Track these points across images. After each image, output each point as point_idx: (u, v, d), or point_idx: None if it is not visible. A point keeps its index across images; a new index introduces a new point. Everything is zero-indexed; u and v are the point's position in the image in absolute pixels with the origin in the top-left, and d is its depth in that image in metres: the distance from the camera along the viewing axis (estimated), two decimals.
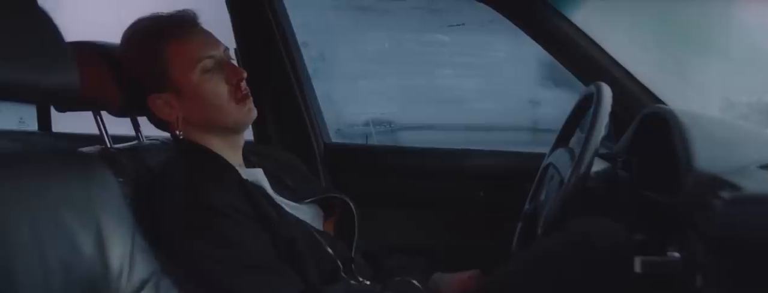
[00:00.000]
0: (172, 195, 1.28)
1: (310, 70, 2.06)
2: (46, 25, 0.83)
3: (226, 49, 1.39)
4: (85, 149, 1.36)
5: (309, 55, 2.09)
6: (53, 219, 0.89)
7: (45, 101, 0.86)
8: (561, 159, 1.44)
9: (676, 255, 1.07)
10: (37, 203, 0.88)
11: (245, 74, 1.37)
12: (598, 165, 1.30)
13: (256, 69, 1.90)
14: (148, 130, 1.51)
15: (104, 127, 1.46)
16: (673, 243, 1.10)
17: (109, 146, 1.45)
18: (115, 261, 0.96)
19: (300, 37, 2.02)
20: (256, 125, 1.97)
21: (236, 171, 1.37)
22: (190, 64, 1.34)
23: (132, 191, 1.30)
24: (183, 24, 1.36)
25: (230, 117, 1.37)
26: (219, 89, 1.35)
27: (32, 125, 2.39)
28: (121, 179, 1.24)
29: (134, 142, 1.51)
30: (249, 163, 1.45)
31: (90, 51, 1.37)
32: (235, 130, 1.41)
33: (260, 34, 1.97)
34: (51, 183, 0.90)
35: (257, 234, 1.29)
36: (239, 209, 1.28)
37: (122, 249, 0.98)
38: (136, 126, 1.55)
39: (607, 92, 1.37)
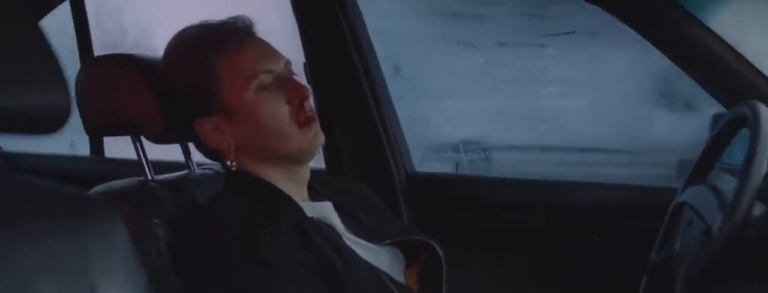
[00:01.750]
0: (215, 241, 1.18)
1: (389, 88, 1.99)
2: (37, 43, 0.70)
3: (288, 62, 1.29)
4: (120, 182, 1.30)
5: (387, 70, 2.02)
6: (24, 288, 0.72)
7: (28, 132, 0.71)
8: (702, 199, 1.27)
9: None
10: (4, 265, 0.71)
11: (310, 92, 1.27)
12: (759, 209, 1.12)
13: (328, 87, 1.90)
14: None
15: (144, 154, 1.38)
16: None
17: (150, 177, 1.37)
18: None
19: (378, 50, 1.96)
20: (329, 153, 1.94)
21: (298, 208, 1.26)
22: (244, 80, 1.24)
23: (169, 233, 1.22)
24: (236, 33, 1.27)
25: (292, 144, 1.26)
26: (278, 110, 1.25)
27: (84, 149, 2.41)
28: (156, 220, 1.21)
29: (183, 172, 1.45)
30: (315, 196, 1.34)
31: (128, 65, 1.31)
32: (298, 159, 1.30)
33: (332, 46, 1.92)
34: (22, 240, 0.73)
35: (316, 290, 1.18)
36: (297, 260, 1.17)
37: None
38: (187, 152, 1.47)
39: (765, 114, 1.17)
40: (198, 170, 1.46)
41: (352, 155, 1.96)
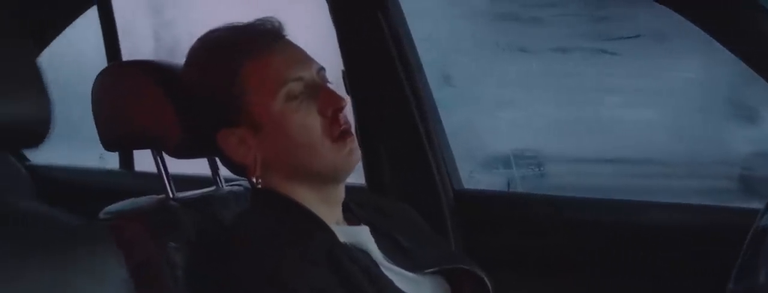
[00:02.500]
0: (236, 266, 1.14)
1: (435, 97, 1.94)
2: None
3: (322, 69, 1.25)
4: (137, 201, 1.29)
5: (434, 78, 1.96)
6: None
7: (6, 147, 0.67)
8: None
9: None
10: None
11: (346, 103, 1.22)
12: None
13: (368, 96, 1.86)
14: None
15: (166, 170, 1.35)
16: None
17: (171, 195, 1.34)
18: None
19: (423, 56, 1.90)
20: (369, 169, 1.90)
21: (330, 232, 1.21)
22: (271, 88, 1.20)
23: (186, 259, 1.20)
24: (264, 36, 1.23)
25: (324, 161, 1.22)
26: (309, 121, 1.20)
27: (113, 163, 2.42)
28: (173, 244, 1.19)
29: (209, 189, 1.42)
30: (351, 218, 1.30)
31: (146, 73, 1.29)
32: (332, 178, 1.25)
33: (372, 52, 1.87)
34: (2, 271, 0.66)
35: None
36: (325, 290, 1.13)
37: None
38: (214, 167, 1.44)
39: None
40: (226, 187, 1.43)
41: (395, 172, 1.92)
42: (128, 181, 2.33)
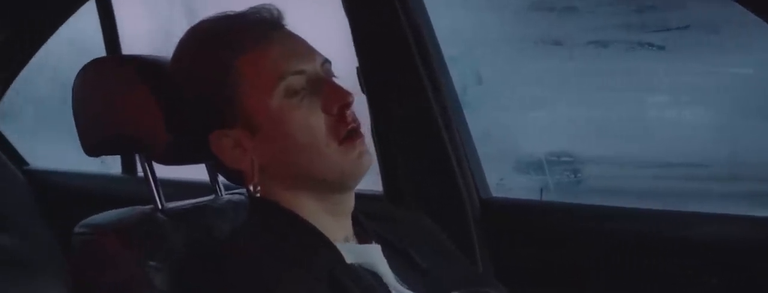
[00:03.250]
0: (227, 288, 1.09)
1: (459, 96, 1.92)
2: None
3: (326, 61, 1.19)
4: (120, 212, 1.26)
5: (458, 75, 1.93)
6: None
7: None
8: None
9: None
10: None
11: (353, 98, 1.17)
12: None
13: (386, 95, 1.84)
14: None
15: (154, 177, 1.31)
16: None
17: (160, 206, 1.29)
18: None
19: (446, 51, 1.87)
20: (386, 176, 1.88)
21: (334, 251, 1.15)
22: (268, 83, 1.15)
23: (169, 280, 1.15)
24: (259, 25, 1.18)
25: (329, 165, 1.16)
26: (311, 120, 1.15)
27: (115, 167, 2.44)
28: (154, 264, 1.14)
29: (207, 198, 1.37)
30: (362, 233, 1.25)
31: (130, 69, 1.25)
32: (339, 185, 1.19)
33: (389, 46, 1.84)
34: None
35: None
36: None
37: None
38: (213, 173, 1.40)
39: None
40: (225, 196, 1.39)
41: (414, 179, 1.89)
42: (130, 187, 2.33)
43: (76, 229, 1.19)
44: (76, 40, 2.52)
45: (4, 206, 2.33)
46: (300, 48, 1.19)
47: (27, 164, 2.58)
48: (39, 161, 2.61)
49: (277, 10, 1.20)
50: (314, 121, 1.14)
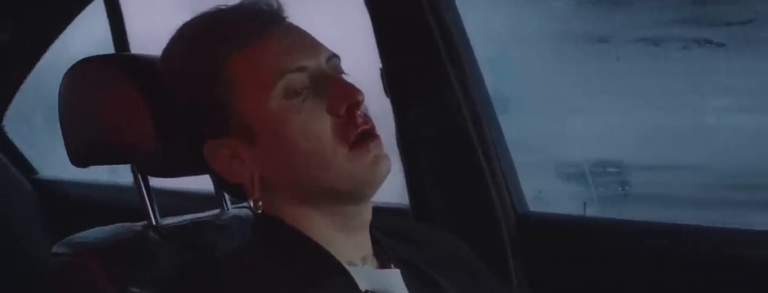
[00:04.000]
0: None
1: (493, 100, 1.87)
2: None
3: (333, 57, 1.13)
4: (108, 229, 1.21)
5: (492, 77, 1.89)
6: None
7: None
8: None
9: None
10: None
11: (363, 96, 1.10)
12: None
13: (411, 99, 1.80)
14: None
15: (148, 189, 1.27)
16: None
17: (154, 222, 1.25)
18: None
19: (477, 50, 1.82)
20: (413, 189, 1.83)
21: (347, 276, 1.09)
22: (265, 82, 1.09)
23: None
24: (255, 19, 1.13)
25: (339, 173, 1.09)
26: (316, 123, 1.08)
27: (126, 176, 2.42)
28: (136, 290, 1.10)
29: (212, 212, 1.33)
30: (380, 254, 1.18)
31: (119, 70, 1.18)
32: (352, 196, 1.12)
33: (415, 46, 1.79)
34: None
35: None
36: None
37: None
38: (218, 185, 1.35)
39: None
40: (231, 210, 1.35)
41: (444, 192, 1.84)
42: (137, 198, 2.34)
43: (55, 248, 1.13)
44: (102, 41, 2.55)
45: (9, 217, 2.34)
46: (302, 42, 1.13)
47: (36, 172, 2.59)
48: (49, 169, 2.60)
49: (277, 2, 1.15)
50: (318, 125, 1.08)
